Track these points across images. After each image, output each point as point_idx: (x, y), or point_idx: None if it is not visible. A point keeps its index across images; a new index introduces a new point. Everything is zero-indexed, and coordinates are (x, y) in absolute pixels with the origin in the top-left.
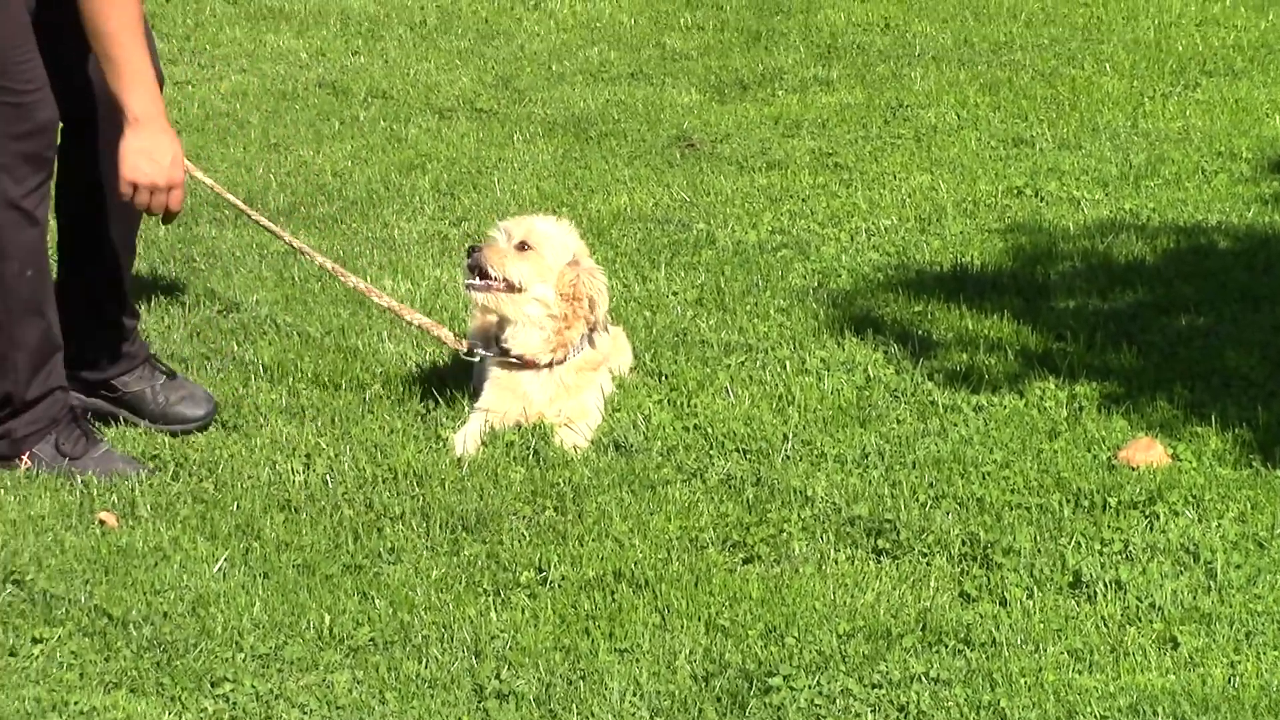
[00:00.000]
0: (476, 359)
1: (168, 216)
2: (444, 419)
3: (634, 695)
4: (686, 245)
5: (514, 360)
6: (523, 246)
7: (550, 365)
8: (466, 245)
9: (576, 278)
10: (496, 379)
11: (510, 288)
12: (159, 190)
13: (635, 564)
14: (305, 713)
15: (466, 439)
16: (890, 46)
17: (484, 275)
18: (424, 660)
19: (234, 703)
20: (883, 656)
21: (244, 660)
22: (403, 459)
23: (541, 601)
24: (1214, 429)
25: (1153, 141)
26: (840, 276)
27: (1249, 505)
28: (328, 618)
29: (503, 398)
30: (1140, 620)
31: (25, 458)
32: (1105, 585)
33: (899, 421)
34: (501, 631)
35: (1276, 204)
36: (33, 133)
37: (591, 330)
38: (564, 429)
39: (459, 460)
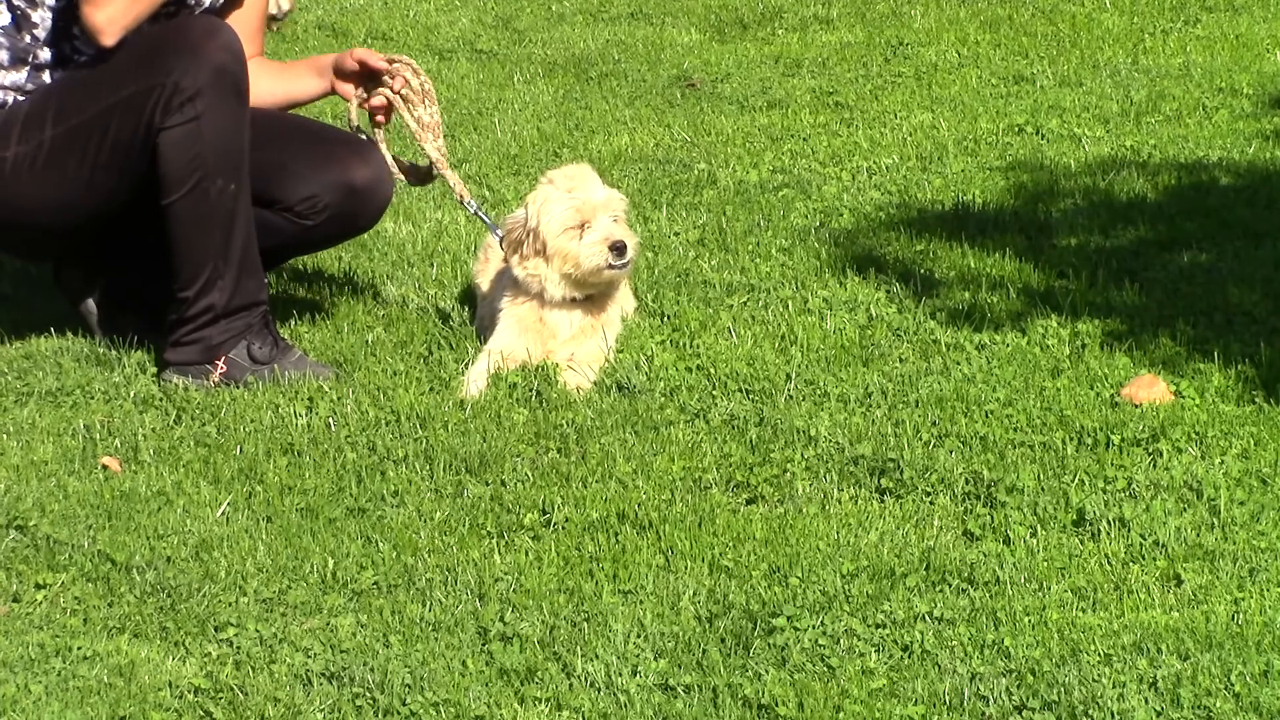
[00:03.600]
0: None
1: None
2: (447, 361)
3: (638, 637)
4: (688, 185)
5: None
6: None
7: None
8: (612, 241)
9: None
10: (518, 318)
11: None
12: None
13: (639, 505)
14: (309, 656)
15: (475, 378)
16: None
17: (622, 255)
18: (428, 603)
19: (237, 647)
20: (886, 596)
21: (247, 604)
22: (405, 401)
23: (545, 543)
24: (1217, 366)
25: (1153, 78)
26: (842, 216)
27: (1252, 442)
28: (331, 561)
29: (519, 337)
30: (1144, 558)
31: (220, 362)
32: (1109, 523)
33: (901, 360)
34: (505, 574)
35: (1278, 139)
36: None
37: None
38: (569, 370)
39: (463, 401)
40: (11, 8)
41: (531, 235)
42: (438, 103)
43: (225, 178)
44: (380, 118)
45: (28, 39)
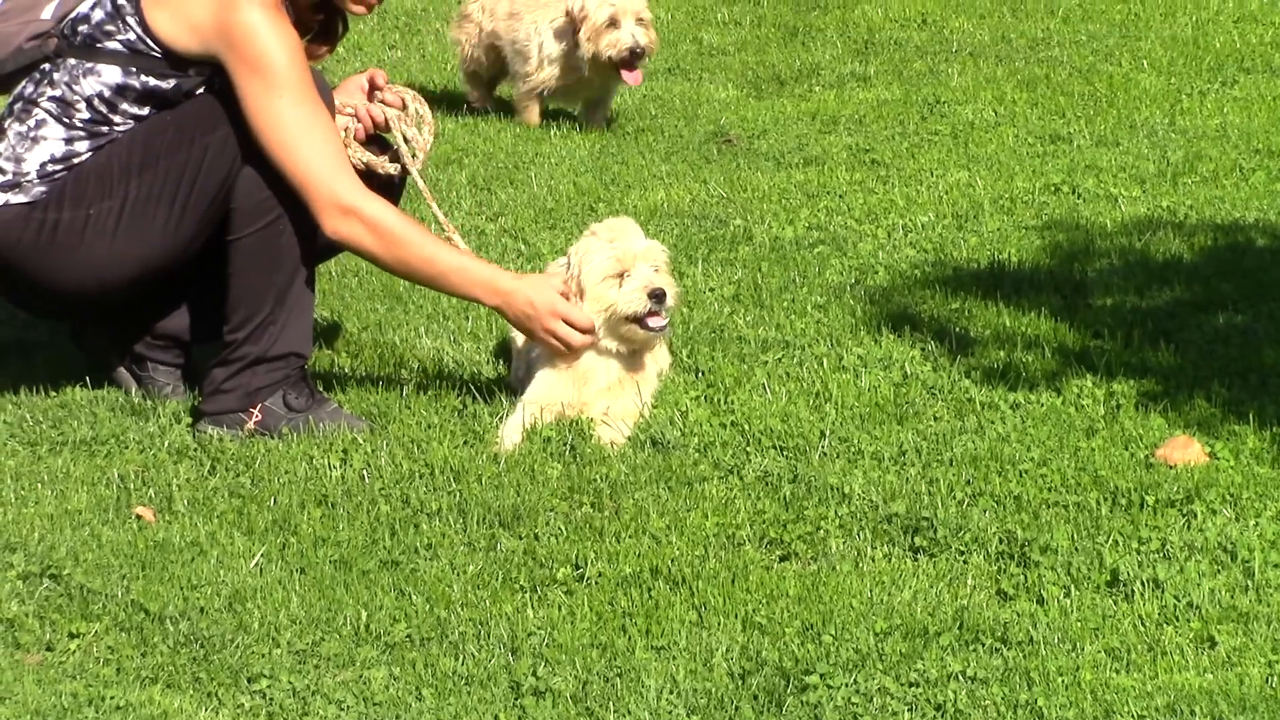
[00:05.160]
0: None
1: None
2: (481, 414)
3: (670, 693)
4: (723, 241)
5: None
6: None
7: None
8: (651, 289)
9: None
10: (555, 371)
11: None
12: (551, 329)
13: (672, 561)
14: (342, 709)
15: (511, 432)
16: (927, 42)
17: (661, 301)
18: (460, 657)
19: (270, 699)
20: (920, 655)
21: (280, 656)
22: (439, 454)
23: (578, 598)
24: (1252, 427)
25: (1190, 139)
26: (877, 273)
27: None
28: (364, 614)
29: (555, 390)
30: (1178, 619)
31: (256, 410)
32: (1143, 584)
33: (936, 419)
34: (538, 628)
35: None
36: None
37: None
38: (603, 425)
39: (497, 455)
40: (92, 109)
41: (573, 283)
42: (434, 134)
43: (298, 218)
44: (360, 130)
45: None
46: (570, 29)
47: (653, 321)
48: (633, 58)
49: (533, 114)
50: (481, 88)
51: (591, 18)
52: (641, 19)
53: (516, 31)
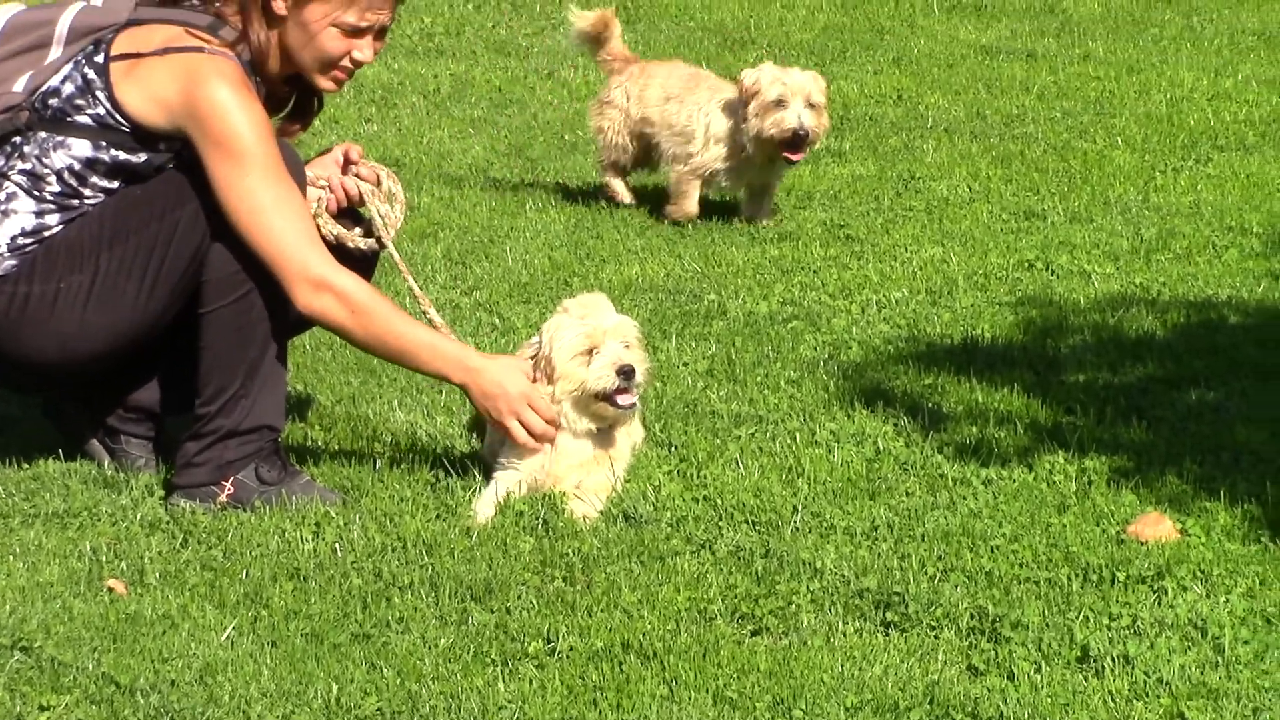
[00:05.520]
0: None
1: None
2: (454, 488)
3: None
4: (697, 316)
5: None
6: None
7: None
8: (620, 365)
9: None
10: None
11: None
12: (517, 413)
13: (643, 635)
14: None
15: (484, 506)
16: (902, 118)
17: (630, 378)
18: None
19: None
20: None
21: None
22: (412, 528)
23: (549, 672)
24: (1223, 504)
25: (1164, 215)
26: (851, 348)
27: (1257, 581)
28: (335, 687)
29: (529, 464)
30: (1148, 695)
31: (229, 483)
32: (1113, 660)
33: (908, 494)
34: (509, 702)
35: None
36: None
37: None
38: (575, 499)
39: (469, 529)
40: (62, 182)
41: (544, 361)
42: (405, 211)
43: (270, 291)
44: (333, 203)
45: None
46: (738, 105)
47: (622, 399)
48: (796, 140)
49: (690, 201)
50: (623, 178)
51: (763, 93)
52: (813, 103)
53: (676, 114)
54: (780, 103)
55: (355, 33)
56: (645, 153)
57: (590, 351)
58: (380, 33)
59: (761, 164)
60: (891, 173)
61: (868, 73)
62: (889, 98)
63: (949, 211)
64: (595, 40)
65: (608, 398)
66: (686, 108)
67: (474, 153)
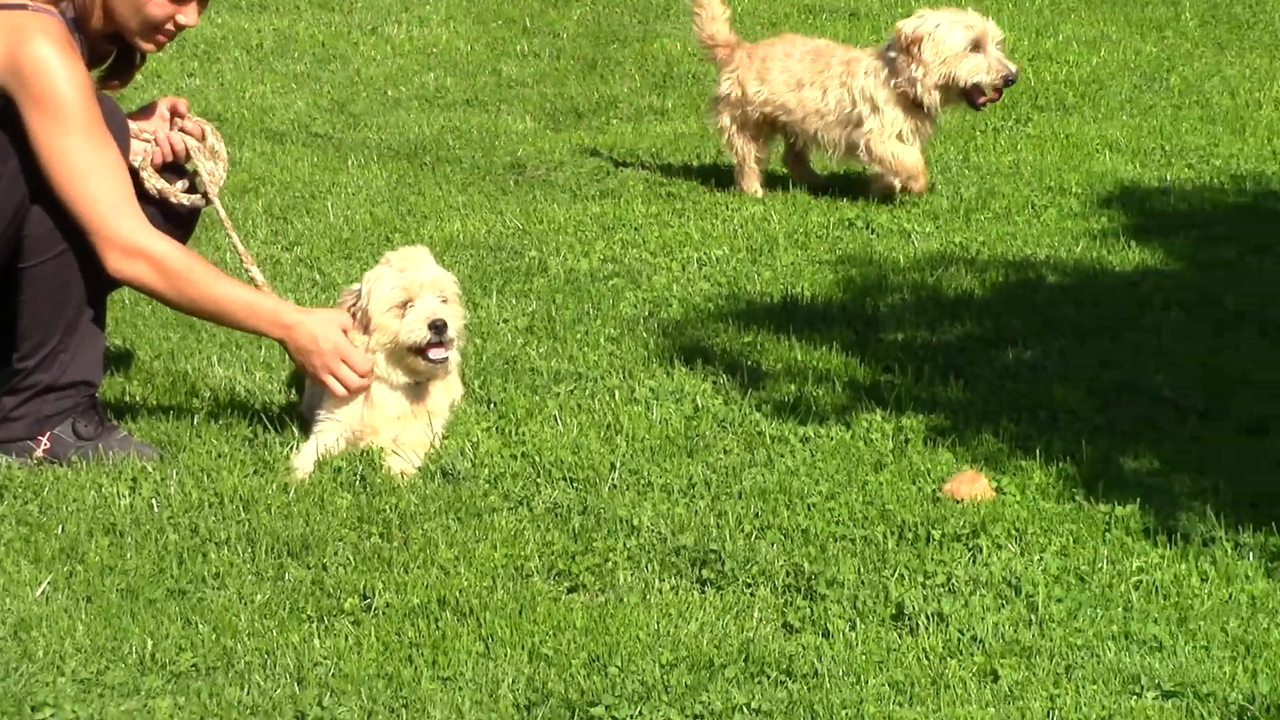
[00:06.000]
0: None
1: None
2: (272, 443)
3: None
4: (518, 273)
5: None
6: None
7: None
8: (432, 319)
9: None
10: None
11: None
12: (331, 367)
13: (460, 592)
14: None
15: (304, 461)
16: None
17: (441, 332)
18: (246, 687)
19: None
20: (705, 687)
21: (65, 685)
22: (229, 483)
23: (365, 628)
24: (1038, 463)
25: (983, 175)
26: (671, 306)
27: (1071, 539)
28: (150, 643)
29: (346, 416)
30: (961, 653)
31: (45, 438)
32: (927, 618)
33: (726, 452)
34: (325, 658)
35: (1105, 239)
36: None
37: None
38: (393, 455)
39: (286, 485)
40: None
41: (361, 312)
42: (227, 169)
43: (90, 248)
44: (158, 155)
45: None
46: (891, 59)
47: (433, 353)
48: (1005, 85)
49: (912, 154)
50: (760, 173)
51: (946, 41)
52: (1000, 44)
53: (822, 100)
54: (978, 46)
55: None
56: (771, 136)
57: (405, 304)
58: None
59: (938, 112)
60: (713, 130)
61: (690, 30)
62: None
63: (771, 169)
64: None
65: (420, 351)
66: (832, 89)
67: (296, 108)
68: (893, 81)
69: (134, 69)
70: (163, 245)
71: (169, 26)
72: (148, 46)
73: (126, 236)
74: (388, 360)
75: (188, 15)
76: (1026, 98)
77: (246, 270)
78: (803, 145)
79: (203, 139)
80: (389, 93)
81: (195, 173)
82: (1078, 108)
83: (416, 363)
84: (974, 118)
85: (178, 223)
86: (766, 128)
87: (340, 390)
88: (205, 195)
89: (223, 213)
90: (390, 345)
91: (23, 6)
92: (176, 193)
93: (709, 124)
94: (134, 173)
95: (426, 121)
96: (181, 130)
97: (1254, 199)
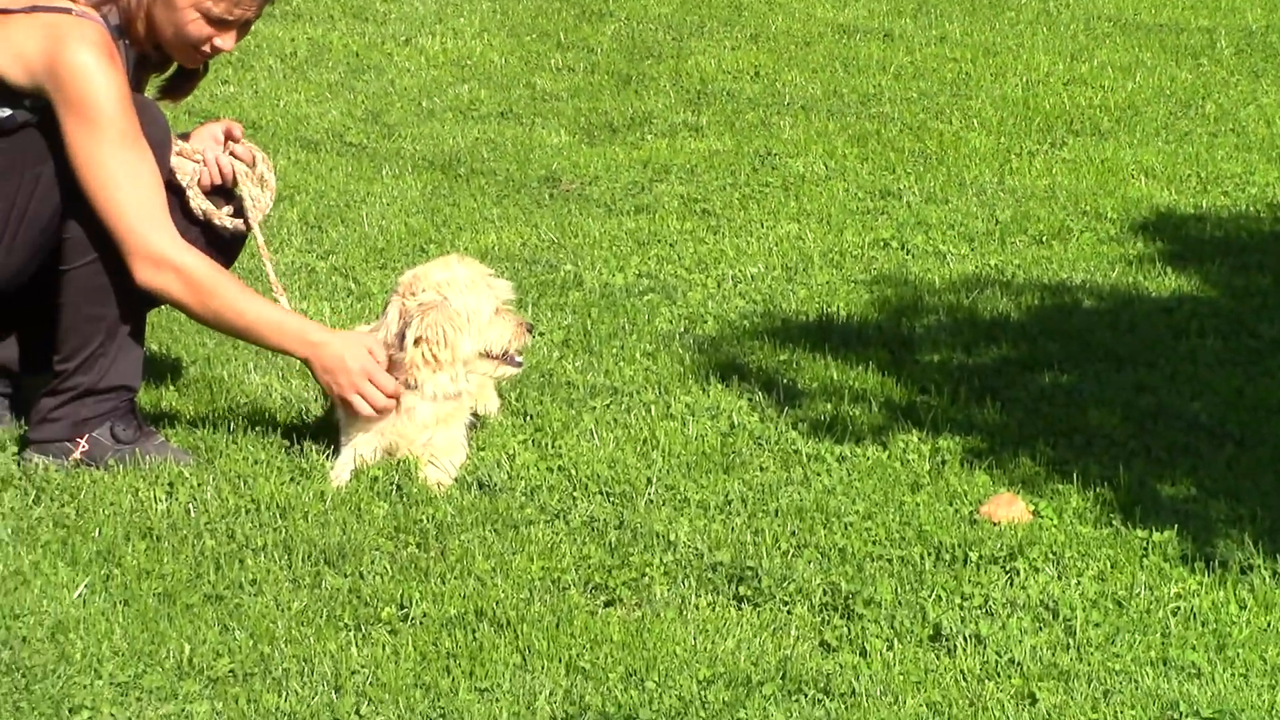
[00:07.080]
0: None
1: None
2: (308, 450)
3: None
4: (553, 286)
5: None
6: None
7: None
8: (526, 322)
9: None
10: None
11: None
12: (358, 388)
13: (497, 603)
14: None
15: (342, 469)
16: (760, 95)
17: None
18: (283, 693)
19: None
20: (742, 703)
21: (102, 688)
22: (266, 490)
23: (402, 638)
24: (1075, 487)
25: (1019, 198)
26: (706, 322)
27: (1108, 564)
28: (188, 647)
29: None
30: (999, 675)
31: (83, 440)
32: (965, 639)
33: (762, 469)
34: (362, 667)
35: (1140, 264)
36: None
37: None
38: (430, 466)
39: (323, 492)
40: None
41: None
42: (275, 198)
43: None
44: (206, 178)
45: None
46: None
47: (520, 357)
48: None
49: None
50: None
51: None
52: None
53: None
54: None
55: (220, 24)
56: None
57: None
58: (244, 26)
59: None
60: (748, 149)
61: (725, 48)
62: (746, 74)
63: (805, 189)
64: None
65: (507, 356)
66: None
67: (331, 117)
68: None
69: (191, 85)
70: (191, 259)
71: (205, 48)
72: (185, 61)
73: (155, 248)
74: (466, 368)
75: (225, 41)
76: (1062, 122)
77: (276, 298)
78: None
79: (253, 165)
80: (423, 104)
81: (241, 197)
82: (1113, 133)
83: (500, 368)
84: (1008, 141)
85: (220, 248)
86: None
87: (366, 410)
88: (247, 221)
89: (260, 240)
90: (483, 351)
91: (66, 10)
92: (221, 215)
93: None
94: (180, 192)
95: (461, 133)
96: (232, 155)
97: None
